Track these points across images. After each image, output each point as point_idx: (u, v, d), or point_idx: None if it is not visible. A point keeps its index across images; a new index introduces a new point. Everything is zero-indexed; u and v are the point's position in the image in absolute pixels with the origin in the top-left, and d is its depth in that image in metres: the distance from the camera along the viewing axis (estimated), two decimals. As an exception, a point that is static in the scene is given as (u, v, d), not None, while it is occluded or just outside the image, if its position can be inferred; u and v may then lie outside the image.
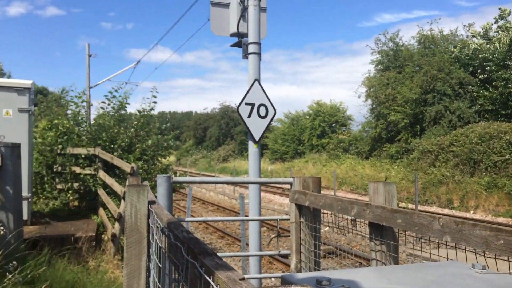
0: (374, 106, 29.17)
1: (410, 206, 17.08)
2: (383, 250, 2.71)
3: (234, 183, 22.15)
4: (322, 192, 3.68)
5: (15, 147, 5.43)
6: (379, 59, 30.43)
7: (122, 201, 6.64)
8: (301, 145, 39.15)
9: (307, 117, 39.89)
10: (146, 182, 3.48)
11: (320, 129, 37.27)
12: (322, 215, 3.58)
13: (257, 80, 5.10)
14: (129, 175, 6.52)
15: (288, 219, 3.83)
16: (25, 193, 6.65)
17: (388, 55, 30.00)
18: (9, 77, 20.32)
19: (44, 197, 9.50)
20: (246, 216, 8.59)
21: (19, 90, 7.17)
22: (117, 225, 6.84)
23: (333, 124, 38.06)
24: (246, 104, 5.09)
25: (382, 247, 2.71)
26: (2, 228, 4.70)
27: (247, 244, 5.44)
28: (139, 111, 11.45)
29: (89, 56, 26.31)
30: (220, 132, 55.19)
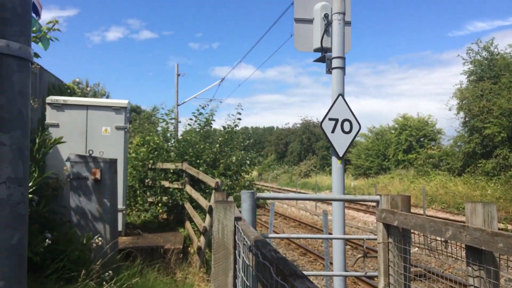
0: (467, 119, 27.35)
1: (510, 227, 15.64)
2: (482, 276, 2.50)
3: (318, 200, 21.87)
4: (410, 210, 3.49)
5: (113, 162, 5.84)
6: (472, 70, 28.53)
7: (207, 215, 6.84)
8: (386, 160, 37.77)
9: (393, 131, 38.51)
10: (231, 198, 3.55)
11: (406, 144, 35.71)
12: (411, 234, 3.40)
13: (341, 95, 5.03)
14: (214, 190, 6.72)
15: (375, 239, 3.68)
16: (120, 205, 7.11)
17: (482, 65, 28.02)
18: (107, 97, 22.07)
19: (136, 209, 10.09)
20: (329, 233, 8.42)
21: (117, 109, 7.73)
22: (202, 238, 7.04)
23: (421, 139, 36.28)
24: (330, 119, 5.04)
25: (481, 272, 2.50)
26: (100, 239, 5.06)
27: (331, 263, 5.31)
28: (224, 127, 11.83)
29: (178, 75, 27.78)
30: (302, 147, 55.13)
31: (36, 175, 4.71)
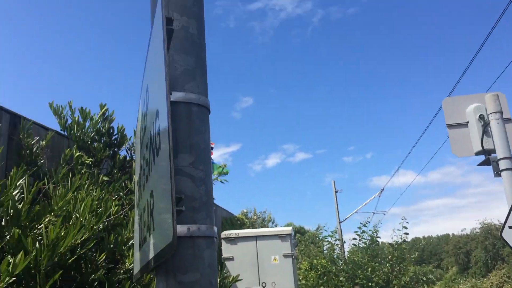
0: None
1: None
2: None
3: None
4: None
5: (284, 293, 5.95)
6: None
7: None
8: None
9: None
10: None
11: None
12: None
13: (518, 198, 4.53)
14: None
15: None
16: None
17: None
18: (273, 222, 23.06)
19: None
20: None
21: (282, 237, 8.07)
22: None
23: None
24: (510, 227, 4.51)
25: None
26: None
27: None
28: (391, 245, 11.23)
29: (336, 192, 27.98)
30: (487, 255, 48.10)
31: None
